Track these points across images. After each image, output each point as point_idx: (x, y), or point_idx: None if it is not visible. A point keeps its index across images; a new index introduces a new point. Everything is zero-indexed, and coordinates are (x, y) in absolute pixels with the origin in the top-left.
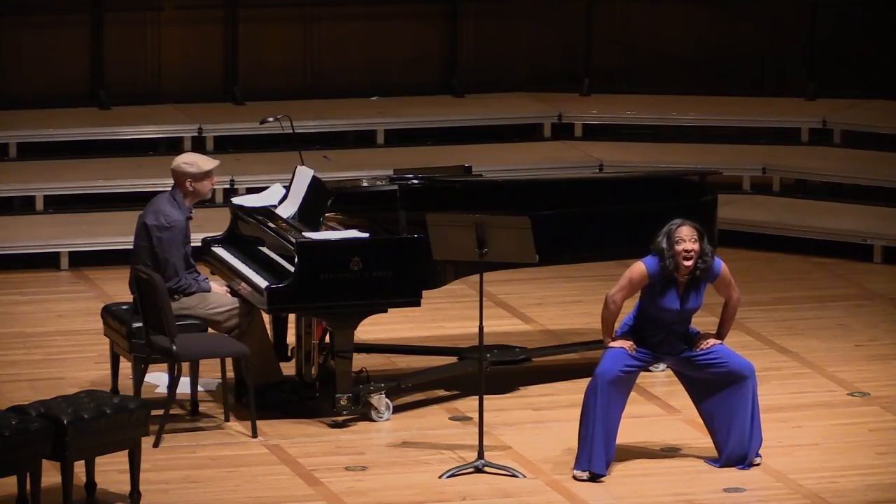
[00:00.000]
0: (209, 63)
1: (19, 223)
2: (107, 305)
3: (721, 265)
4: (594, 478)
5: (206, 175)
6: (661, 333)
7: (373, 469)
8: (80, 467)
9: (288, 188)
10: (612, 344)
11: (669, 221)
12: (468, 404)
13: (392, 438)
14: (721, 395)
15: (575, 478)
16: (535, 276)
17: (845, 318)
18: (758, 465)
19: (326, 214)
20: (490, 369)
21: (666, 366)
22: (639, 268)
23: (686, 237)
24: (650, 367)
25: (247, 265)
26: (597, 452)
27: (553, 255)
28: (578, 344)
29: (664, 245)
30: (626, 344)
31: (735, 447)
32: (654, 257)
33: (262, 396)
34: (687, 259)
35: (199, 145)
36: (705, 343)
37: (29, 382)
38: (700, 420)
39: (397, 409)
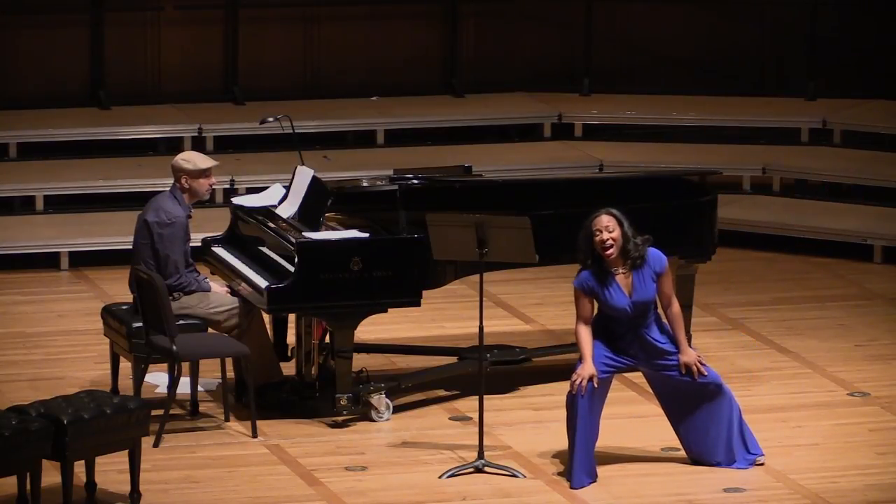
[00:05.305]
0: (209, 63)
1: (19, 223)
2: (107, 305)
3: (666, 260)
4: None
5: (203, 173)
6: (625, 331)
7: (373, 469)
8: (80, 467)
9: (288, 188)
10: (577, 373)
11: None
12: (468, 404)
13: (392, 438)
14: (693, 403)
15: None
16: (535, 276)
17: (845, 318)
18: (760, 464)
19: (326, 214)
20: (490, 369)
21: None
22: (574, 290)
23: (602, 227)
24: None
25: (247, 265)
26: (574, 469)
27: (553, 255)
28: None
29: (583, 239)
30: (588, 374)
31: (710, 453)
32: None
33: (262, 396)
34: (605, 248)
35: (199, 145)
36: (685, 368)
37: (29, 382)
38: None
39: (397, 409)
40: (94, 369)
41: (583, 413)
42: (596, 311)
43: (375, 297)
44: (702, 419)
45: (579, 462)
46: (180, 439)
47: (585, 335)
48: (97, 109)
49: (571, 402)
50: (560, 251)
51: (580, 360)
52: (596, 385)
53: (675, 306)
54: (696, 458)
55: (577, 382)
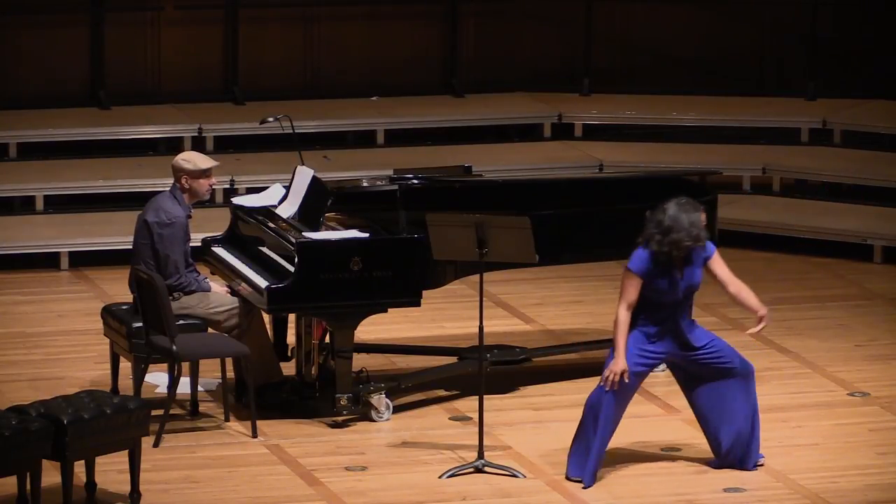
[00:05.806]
0: (209, 63)
1: (19, 223)
2: (107, 305)
3: (714, 246)
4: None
5: (203, 173)
6: (666, 316)
7: (373, 469)
8: (80, 467)
9: (288, 188)
10: (610, 369)
11: (671, 206)
12: (468, 404)
13: (392, 438)
14: (722, 393)
15: (569, 478)
16: (535, 276)
17: (845, 318)
18: (760, 465)
19: (326, 214)
20: (490, 369)
21: (665, 366)
22: (628, 275)
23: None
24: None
25: (247, 265)
26: (589, 466)
27: (553, 255)
28: (578, 344)
29: (675, 229)
30: (620, 370)
31: (734, 447)
32: (645, 250)
33: (262, 396)
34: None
35: (199, 145)
36: (760, 325)
37: (29, 382)
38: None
39: (397, 409)
40: (94, 369)
41: (608, 410)
42: None
43: (375, 297)
44: (732, 407)
45: (595, 460)
46: (180, 439)
47: (624, 326)
48: (97, 109)
49: (598, 397)
50: (560, 251)
51: (612, 352)
52: (626, 380)
53: (736, 282)
54: (725, 455)
55: (609, 378)
